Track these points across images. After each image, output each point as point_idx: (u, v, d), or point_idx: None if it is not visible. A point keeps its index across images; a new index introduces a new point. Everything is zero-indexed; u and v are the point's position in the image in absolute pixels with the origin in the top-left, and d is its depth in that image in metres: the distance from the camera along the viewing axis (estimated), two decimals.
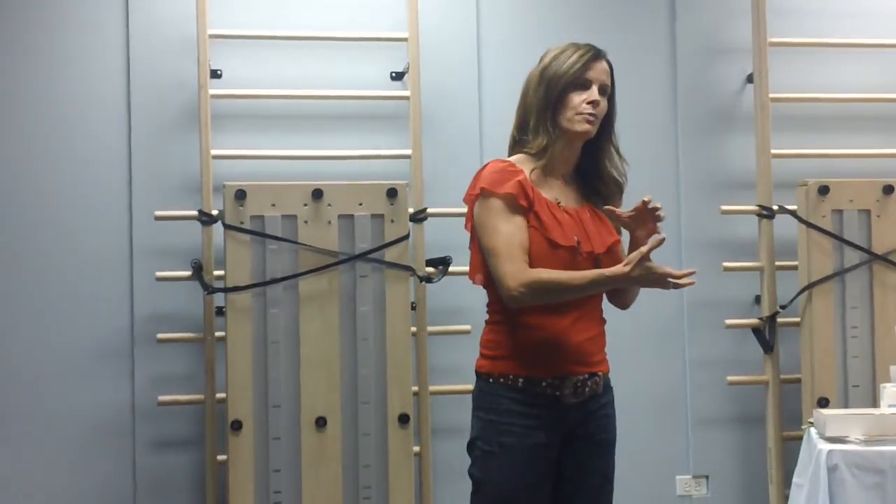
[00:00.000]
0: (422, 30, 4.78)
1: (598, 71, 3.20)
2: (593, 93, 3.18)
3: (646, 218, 3.18)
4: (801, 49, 5.10)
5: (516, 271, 3.09)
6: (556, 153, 3.21)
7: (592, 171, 3.29)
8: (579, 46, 3.23)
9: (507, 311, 3.17)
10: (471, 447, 3.24)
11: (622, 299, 3.38)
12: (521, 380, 3.15)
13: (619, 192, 3.32)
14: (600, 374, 3.22)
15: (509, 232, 3.11)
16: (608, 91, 3.23)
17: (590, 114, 3.17)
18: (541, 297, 3.10)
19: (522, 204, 3.13)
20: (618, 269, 3.05)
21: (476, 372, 3.27)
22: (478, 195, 3.18)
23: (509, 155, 3.28)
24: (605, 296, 3.32)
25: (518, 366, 3.16)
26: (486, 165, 3.23)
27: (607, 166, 3.28)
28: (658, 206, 3.16)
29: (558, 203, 3.20)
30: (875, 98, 5.13)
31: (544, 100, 3.19)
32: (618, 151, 3.29)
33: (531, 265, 3.11)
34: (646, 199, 3.14)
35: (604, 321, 3.30)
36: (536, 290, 3.08)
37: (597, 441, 3.25)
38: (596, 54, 3.22)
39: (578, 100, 3.17)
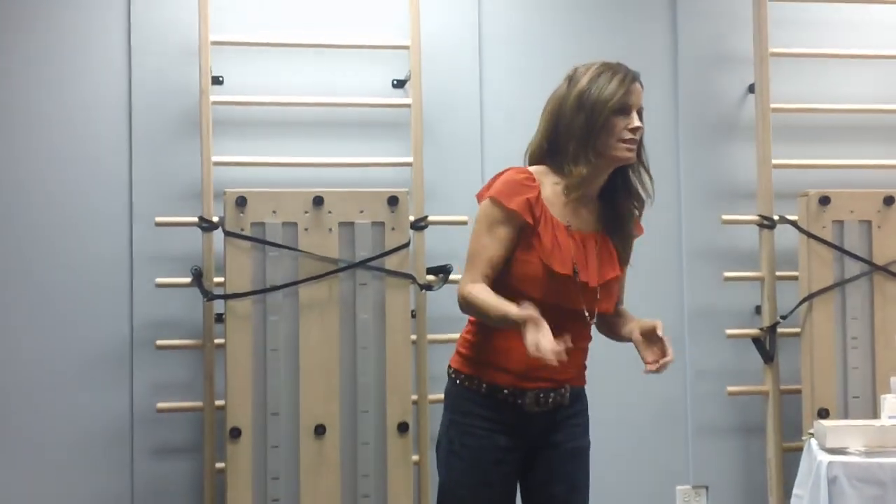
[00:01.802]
0: (423, 38, 4.78)
1: (636, 94, 3.16)
2: (635, 119, 3.14)
3: (654, 340, 3.13)
4: (802, 59, 5.10)
5: (468, 279, 3.11)
6: (591, 179, 3.17)
7: (619, 189, 3.23)
8: (616, 69, 3.17)
9: None
10: (438, 445, 3.28)
11: (615, 334, 3.35)
12: (484, 385, 3.18)
13: (641, 209, 3.28)
14: (567, 386, 3.22)
15: (486, 244, 3.10)
16: (642, 113, 3.19)
17: (632, 140, 3.14)
18: (469, 312, 3.14)
19: (528, 221, 3.09)
20: (521, 315, 2.95)
21: (447, 368, 3.28)
22: (486, 197, 3.16)
23: (530, 163, 3.24)
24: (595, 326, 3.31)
25: (483, 370, 3.18)
26: (506, 171, 3.17)
27: (635, 184, 3.23)
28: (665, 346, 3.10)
29: (568, 226, 3.15)
30: (876, 109, 5.12)
31: (587, 128, 3.11)
32: (647, 169, 3.24)
33: (527, 286, 3.10)
34: (658, 332, 3.10)
35: (587, 338, 3.28)
36: (466, 304, 3.10)
37: (566, 450, 3.25)
38: (634, 77, 3.18)
39: (621, 126, 3.12)
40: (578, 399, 3.29)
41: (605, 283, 3.18)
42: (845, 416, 4.74)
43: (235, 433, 4.43)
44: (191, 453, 4.68)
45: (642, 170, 3.24)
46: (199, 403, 4.61)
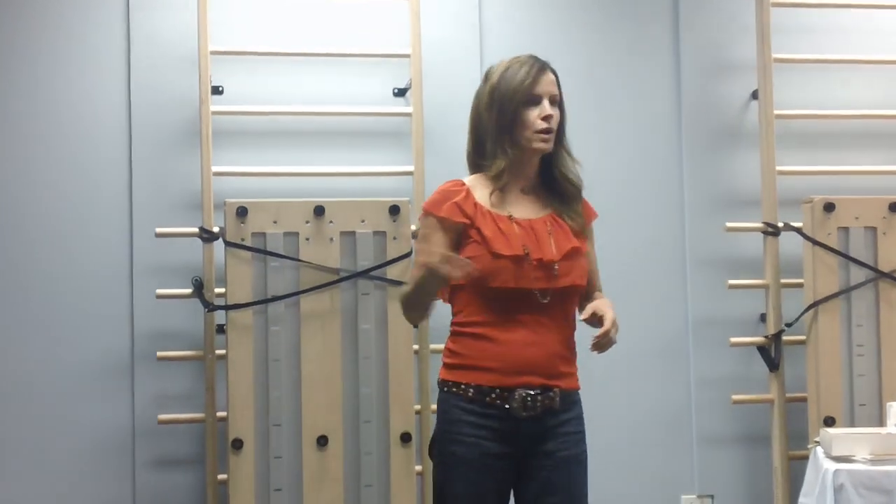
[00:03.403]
0: (424, 46, 4.77)
1: (547, 83, 3.23)
2: (545, 108, 3.21)
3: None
4: (806, 65, 5.09)
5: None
6: (514, 171, 3.25)
7: (550, 178, 3.31)
8: (523, 61, 3.26)
9: (462, 322, 3.23)
10: (430, 451, 3.30)
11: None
12: (471, 390, 3.17)
13: (579, 193, 3.33)
14: (556, 389, 3.19)
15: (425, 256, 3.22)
16: (557, 101, 3.26)
17: (545, 129, 3.21)
18: (408, 309, 3.27)
19: (461, 221, 3.19)
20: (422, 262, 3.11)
21: (438, 381, 3.30)
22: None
23: (469, 168, 3.34)
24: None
25: (468, 375, 3.19)
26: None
27: (560, 171, 3.29)
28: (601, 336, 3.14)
29: (510, 216, 3.22)
30: (881, 115, 5.11)
31: (498, 122, 3.22)
32: (569, 154, 3.31)
33: (476, 279, 3.14)
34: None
35: (570, 340, 3.24)
36: (402, 304, 3.27)
37: (559, 458, 3.21)
38: (542, 67, 3.25)
39: (533, 117, 3.20)
40: (572, 406, 3.25)
41: (566, 256, 3.21)
42: (851, 423, 4.71)
43: (237, 444, 4.41)
44: (193, 465, 4.67)
45: (566, 155, 3.30)
46: (200, 415, 4.59)
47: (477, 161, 3.30)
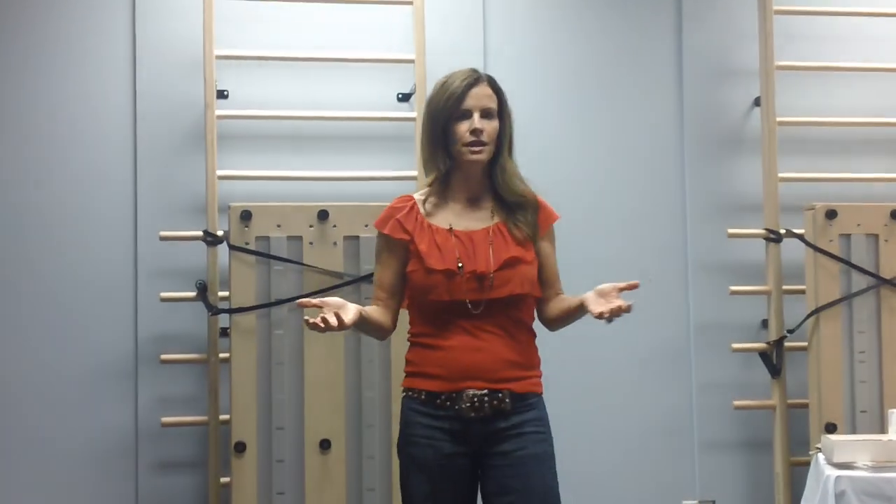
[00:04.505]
0: (428, 51, 4.77)
1: (478, 97, 3.26)
2: (474, 121, 3.24)
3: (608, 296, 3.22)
4: (808, 73, 5.10)
5: None
6: (453, 182, 3.32)
7: (499, 183, 3.33)
8: (457, 76, 3.29)
9: (413, 332, 3.33)
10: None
11: (563, 315, 3.38)
12: (423, 394, 3.27)
13: (525, 202, 3.33)
14: (504, 391, 3.23)
15: (376, 270, 3.38)
16: (494, 113, 3.28)
17: (474, 142, 3.24)
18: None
19: (401, 238, 3.28)
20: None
21: None
22: None
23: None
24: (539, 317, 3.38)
25: (420, 381, 3.29)
26: None
27: (499, 182, 3.32)
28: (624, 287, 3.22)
29: (449, 229, 3.28)
30: (883, 122, 5.11)
31: (430, 135, 3.29)
32: (508, 166, 3.32)
33: (421, 292, 3.26)
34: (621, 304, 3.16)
35: (523, 346, 3.27)
36: None
37: (515, 457, 3.23)
38: (474, 80, 3.27)
39: (463, 130, 3.24)
40: (529, 408, 3.27)
41: (502, 266, 3.25)
42: (853, 430, 4.72)
43: (240, 447, 4.42)
44: (196, 468, 4.68)
45: (506, 165, 3.32)
46: (203, 418, 4.60)
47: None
